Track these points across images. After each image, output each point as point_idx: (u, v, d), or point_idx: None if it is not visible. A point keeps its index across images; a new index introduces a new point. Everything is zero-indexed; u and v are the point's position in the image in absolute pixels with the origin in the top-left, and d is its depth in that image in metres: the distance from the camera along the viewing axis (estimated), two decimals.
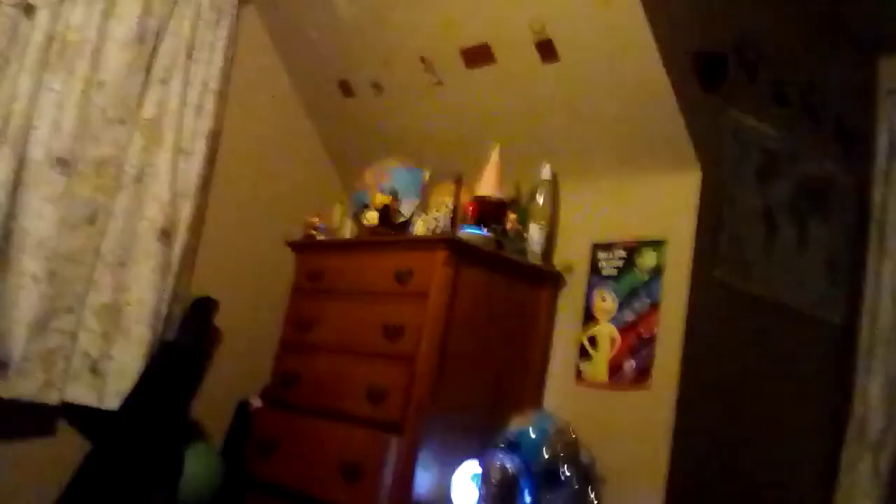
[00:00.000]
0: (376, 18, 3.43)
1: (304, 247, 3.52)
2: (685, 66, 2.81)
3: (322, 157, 4.06)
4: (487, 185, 3.12)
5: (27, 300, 3.12)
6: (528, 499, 2.67)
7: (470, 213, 3.05)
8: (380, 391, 2.86)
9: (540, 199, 3.13)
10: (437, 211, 3.12)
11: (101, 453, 3.13)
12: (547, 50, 2.99)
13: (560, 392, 3.02)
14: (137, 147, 3.39)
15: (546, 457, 2.66)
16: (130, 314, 3.30)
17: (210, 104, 3.58)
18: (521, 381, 3.03)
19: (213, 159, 3.63)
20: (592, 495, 2.69)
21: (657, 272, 2.84)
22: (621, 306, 2.90)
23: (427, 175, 3.33)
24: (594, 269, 3.03)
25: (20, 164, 3.13)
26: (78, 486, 3.05)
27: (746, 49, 3.01)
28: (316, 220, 3.51)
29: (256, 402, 3.45)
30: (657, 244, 2.86)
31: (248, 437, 3.36)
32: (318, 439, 3.04)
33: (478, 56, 3.20)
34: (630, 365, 2.82)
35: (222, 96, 3.64)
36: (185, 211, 3.48)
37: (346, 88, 3.79)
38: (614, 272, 2.96)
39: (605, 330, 2.93)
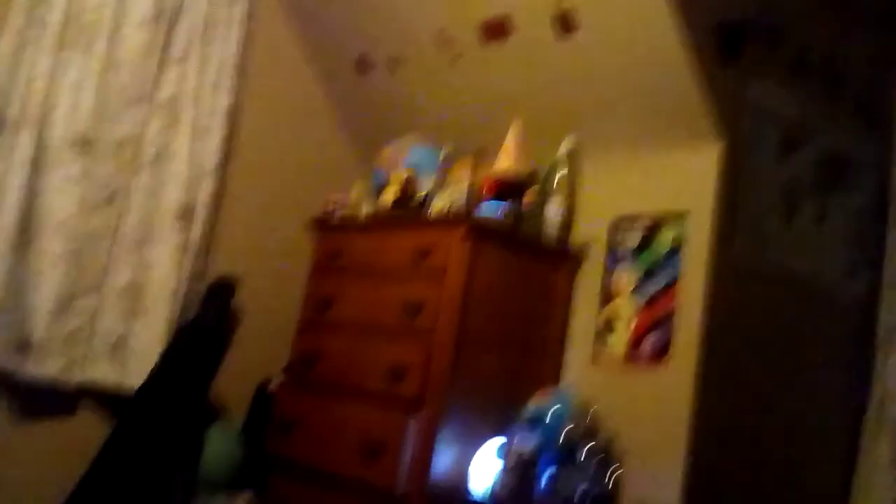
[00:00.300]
0: None
1: (323, 225, 3.52)
2: (704, 38, 2.77)
3: (340, 134, 4.04)
4: (506, 161, 3.10)
5: (48, 281, 3.14)
6: (547, 477, 2.68)
7: (488, 190, 3.04)
8: (399, 369, 2.86)
9: (559, 175, 3.11)
10: (455, 188, 3.10)
11: (123, 433, 3.15)
12: (566, 22, 2.95)
13: (579, 370, 3.01)
14: (156, 126, 3.40)
15: (565, 435, 2.66)
16: (151, 294, 3.32)
17: (227, 82, 3.57)
18: (540, 359, 3.03)
19: (232, 138, 3.63)
20: (612, 473, 2.69)
21: (676, 247, 2.81)
22: (640, 282, 2.88)
23: (445, 152, 3.31)
24: (613, 245, 3.00)
25: (40, 145, 3.13)
26: (100, 465, 3.07)
27: (766, 20, 2.96)
28: (335, 198, 3.50)
29: (277, 382, 3.46)
30: (677, 219, 2.84)
31: (268, 416, 3.38)
32: (338, 418, 3.05)
33: (496, 30, 3.17)
34: (649, 341, 2.80)
35: (239, 74, 3.63)
36: (205, 190, 3.49)
37: (363, 64, 3.77)
38: (634, 248, 2.94)
39: (625, 306, 2.91)
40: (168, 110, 3.42)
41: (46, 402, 3.22)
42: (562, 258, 3.09)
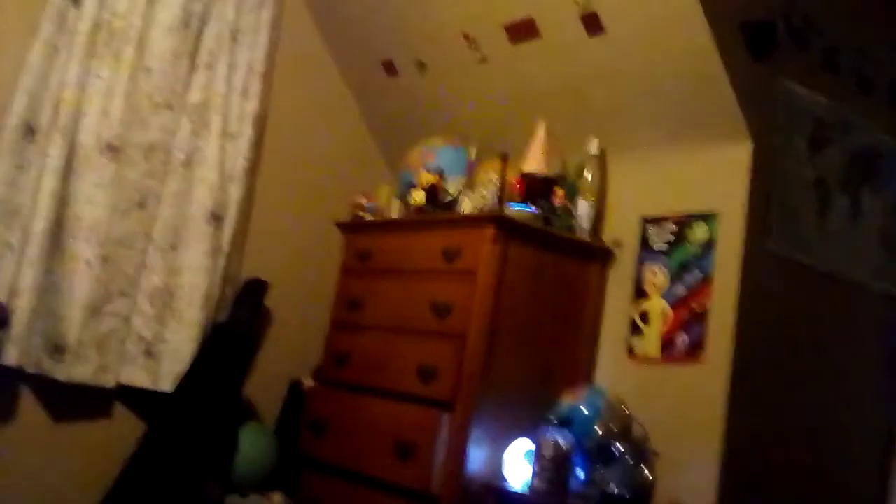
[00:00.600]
0: None
1: (353, 227, 3.53)
2: (734, 35, 2.76)
3: (367, 137, 4.07)
4: (534, 161, 3.09)
5: (81, 285, 3.18)
6: (580, 475, 2.68)
7: (517, 190, 3.03)
8: (430, 369, 2.86)
9: (588, 174, 3.10)
10: (483, 188, 3.10)
11: (157, 434, 3.18)
12: (592, 22, 2.95)
13: (612, 368, 3.00)
14: (185, 131, 3.43)
15: (598, 433, 2.66)
16: (183, 297, 3.35)
17: (256, 87, 3.61)
18: (572, 358, 3.02)
19: (260, 142, 3.66)
20: (645, 471, 2.68)
21: (709, 245, 2.80)
22: (673, 280, 2.87)
23: (473, 152, 3.31)
24: (644, 243, 2.99)
25: (71, 151, 3.18)
26: (134, 466, 3.11)
27: (796, 16, 2.94)
28: (363, 200, 3.51)
29: (308, 382, 3.48)
30: (708, 217, 2.82)
31: (301, 416, 3.39)
32: (370, 417, 3.06)
33: (522, 31, 3.17)
34: (682, 340, 2.79)
35: (267, 79, 3.66)
36: (234, 193, 3.52)
37: (389, 67, 3.78)
38: (665, 246, 2.93)
39: (657, 305, 2.90)
40: (197, 115, 3.46)
41: (81, 404, 3.26)
42: (592, 257, 3.09)
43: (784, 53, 2.91)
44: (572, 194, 3.10)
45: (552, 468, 2.61)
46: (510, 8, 3.15)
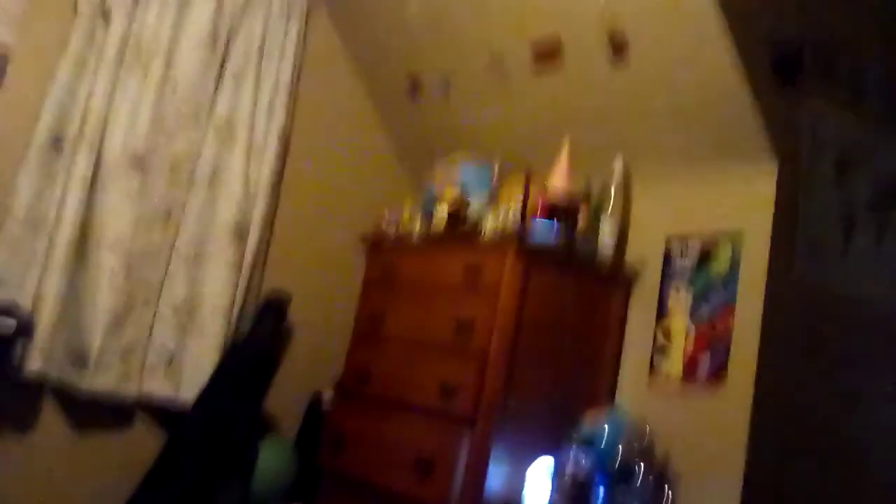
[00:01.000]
0: (445, 16, 3.43)
1: (375, 243, 3.55)
2: (760, 59, 2.75)
3: (391, 153, 4.08)
4: (558, 180, 3.09)
5: (105, 295, 3.20)
6: (601, 496, 2.66)
7: (540, 209, 3.04)
8: (452, 386, 2.86)
9: (612, 194, 3.10)
10: (507, 207, 3.10)
11: (178, 445, 3.19)
12: (619, 44, 2.96)
13: (634, 390, 2.99)
14: (211, 145, 3.46)
15: (620, 455, 2.64)
16: (205, 309, 3.37)
17: (282, 103, 3.63)
18: (594, 378, 3.01)
19: (285, 157, 3.68)
20: (668, 494, 2.67)
21: (733, 268, 2.79)
22: (696, 302, 2.86)
23: (496, 170, 3.32)
24: (668, 264, 2.99)
25: (97, 163, 3.21)
26: (155, 476, 3.12)
27: (823, 40, 2.94)
28: (386, 216, 3.53)
29: (329, 396, 3.48)
30: (733, 240, 2.81)
31: (320, 429, 3.40)
32: (390, 433, 3.06)
33: (548, 52, 3.18)
34: (705, 362, 2.78)
35: (293, 95, 3.69)
36: (259, 208, 3.53)
37: (414, 86, 3.80)
38: (689, 268, 2.92)
39: (680, 326, 2.88)
40: (223, 129, 3.48)
41: (103, 414, 3.27)
42: (616, 278, 3.08)
43: (810, 77, 2.90)
44: (596, 213, 3.10)
45: (573, 488, 2.60)
46: (537, 29, 3.16)
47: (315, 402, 3.53)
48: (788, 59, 2.84)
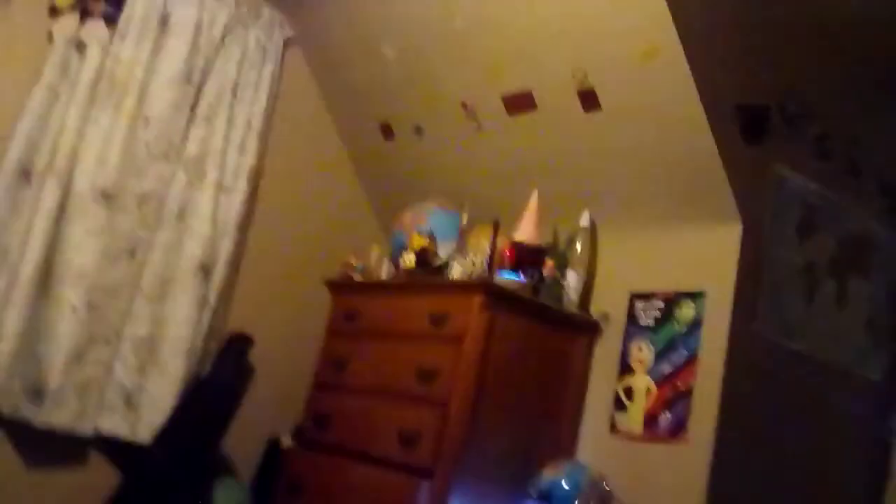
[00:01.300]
0: (420, 63, 3.46)
1: (341, 286, 3.53)
2: (728, 119, 2.81)
3: (361, 197, 4.09)
4: (525, 231, 3.12)
5: (66, 330, 3.15)
6: None
7: (507, 258, 3.05)
8: (412, 435, 2.84)
9: (578, 247, 3.12)
10: (474, 255, 3.11)
11: (132, 485, 3.14)
12: (589, 99, 2.99)
13: (594, 443, 2.99)
14: (180, 183, 3.44)
15: None
16: (166, 348, 3.33)
17: (253, 143, 3.63)
18: (555, 430, 3.00)
19: (254, 197, 3.67)
20: None
21: (696, 324, 2.81)
22: (658, 358, 2.87)
23: (465, 218, 3.33)
24: (631, 318, 3.00)
25: (65, 196, 3.18)
26: None
27: (790, 102, 2.99)
28: (353, 260, 3.52)
29: (287, 441, 3.44)
30: (696, 296, 2.84)
31: (277, 474, 3.35)
32: (348, 482, 3.02)
33: (519, 103, 3.22)
34: (666, 418, 2.79)
35: (265, 135, 3.69)
36: (225, 247, 3.52)
37: (387, 130, 3.82)
38: (652, 323, 2.93)
39: (642, 381, 2.90)
40: (193, 167, 3.47)
41: (58, 449, 3.21)
42: (580, 329, 3.09)
43: (777, 138, 2.95)
44: (562, 265, 3.12)
45: None
46: (509, 80, 3.20)
47: (273, 447, 3.49)
48: (756, 121, 2.89)
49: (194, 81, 3.50)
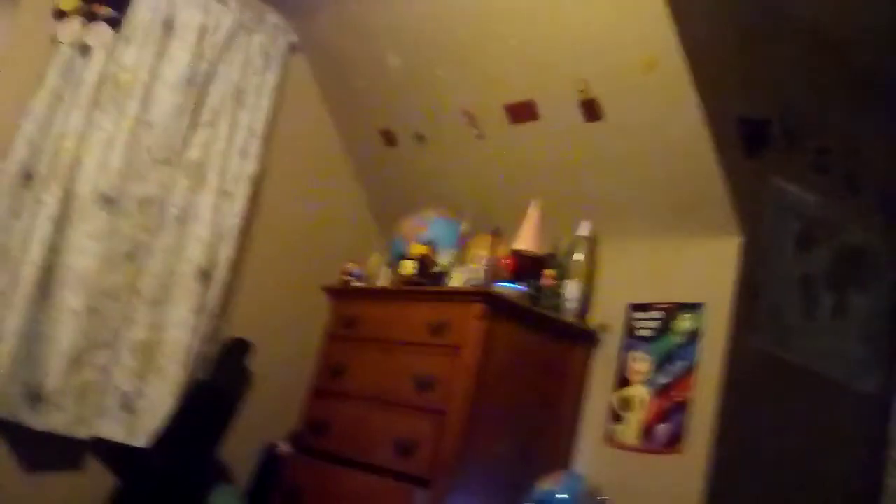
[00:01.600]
0: (422, 71, 3.47)
1: (340, 293, 3.53)
2: (729, 131, 2.81)
3: (362, 204, 4.10)
4: (525, 240, 3.12)
5: (65, 334, 3.16)
6: None
7: (507, 268, 3.05)
8: (409, 443, 2.84)
9: (578, 257, 3.13)
10: (473, 264, 3.12)
11: (128, 490, 3.14)
12: (591, 109, 3.00)
13: (591, 453, 2.99)
14: (181, 187, 3.45)
15: None
16: (165, 352, 3.33)
17: (255, 148, 3.64)
18: (552, 440, 3.01)
19: (255, 202, 3.68)
20: None
21: (693, 336, 2.81)
22: (656, 369, 2.88)
23: (465, 227, 3.34)
24: (630, 329, 3.01)
25: (66, 200, 3.18)
26: None
27: (790, 116, 3.00)
28: (353, 266, 3.52)
29: (284, 447, 3.44)
30: (695, 308, 2.84)
31: (274, 481, 3.35)
32: (344, 489, 3.02)
33: (521, 112, 3.23)
34: (663, 429, 2.79)
35: (266, 141, 3.70)
36: (225, 252, 3.52)
37: (388, 138, 3.83)
38: (650, 334, 2.94)
39: (639, 392, 2.90)
40: (194, 172, 3.48)
41: (55, 453, 3.21)
42: (578, 340, 3.09)
43: (777, 151, 2.96)
44: (561, 276, 3.12)
45: None
46: (511, 89, 3.21)
47: (270, 453, 3.49)
48: (756, 134, 2.89)
49: (197, 86, 3.50)
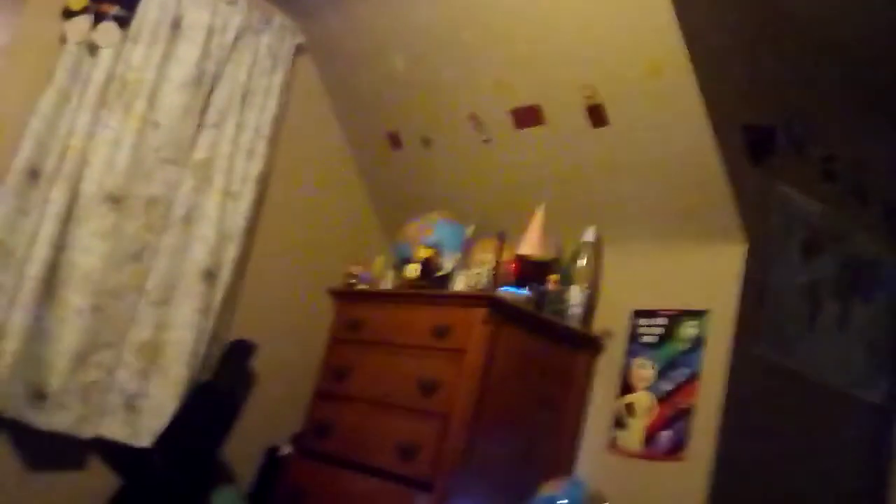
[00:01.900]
0: (429, 74, 3.47)
1: (345, 295, 3.53)
2: (734, 138, 2.81)
3: (367, 207, 4.09)
4: (530, 245, 3.12)
5: (69, 333, 3.16)
6: None
7: (511, 272, 3.05)
8: (412, 447, 2.84)
9: (582, 262, 3.13)
10: (478, 267, 3.12)
11: (131, 490, 3.15)
12: (597, 114, 3.00)
13: (593, 459, 2.99)
14: (187, 188, 3.45)
15: None
16: (169, 353, 3.33)
17: (261, 149, 3.64)
18: (554, 446, 3.01)
19: (260, 203, 3.68)
20: None
21: (698, 343, 2.81)
22: (660, 375, 2.88)
23: (470, 231, 3.34)
24: (634, 336, 3.01)
25: (73, 199, 3.18)
26: None
27: (796, 124, 3.00)
28: (358, 269, 3.53)
29: (287, 449, 3.44)
30: (699, 315, 2.84)
31: (276, 483, 3.35)
32: (346, 492, 3.02)
33: (527, 117, 3.22)
34: (666, 436, 2.79)
35: (273, 142, 3.70)
36: (230, 253, 3.52)
37: (394, 140, 3.83)
38: (654, 340, 2.94)
39: (643, 398, 2.90)
40: (200, 173, 3.48)
41: (58, 452, 3.21)
42: (582, 345, 3.09)
43: (782, 159, 2.96)
44: (566, 281, 3.12)
45: None
46: (517, 94, 3.21)
47: (272, 455, 3.49)
48: (762, 141, 2.89)
49: (204, 86, 3.51)
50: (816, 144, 3.08)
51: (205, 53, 3.50)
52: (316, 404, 3.39)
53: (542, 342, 3.02)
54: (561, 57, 2.99)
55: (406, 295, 3.26)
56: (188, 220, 3.44)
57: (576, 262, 3.14)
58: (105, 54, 3.29)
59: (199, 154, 3.49)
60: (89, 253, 3.22)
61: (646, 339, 2.97)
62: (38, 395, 3.10)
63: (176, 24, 3.45)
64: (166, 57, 3.42)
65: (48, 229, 3.11)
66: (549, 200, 3.20)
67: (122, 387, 3.26)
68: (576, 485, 2.77)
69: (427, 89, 3.53)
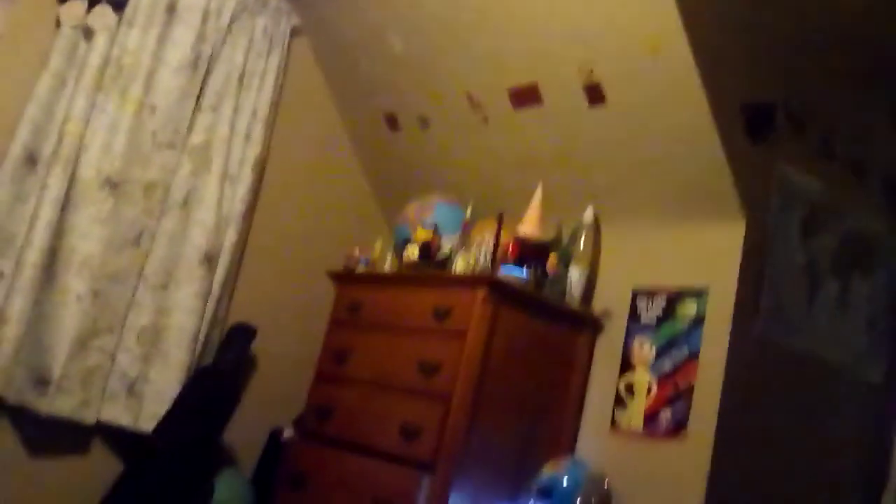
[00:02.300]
0: (426, 54, 3.46)
1: (345, 278, 3.53)
2: (733, 116, 2.80)
3: (366, 189, 4.09)
4: (529, 225, 3.12)
5: (70, 318, 3.17)
6: None
7: (511, 253, 3.05)
8: (413, 428, 2.85)
9: (581, 242, 3.12)
10: (478, 248, 3.12)
11: (133, 474, 3.16)
12: (595, 93, 2.99)
13: (594, 439, 3.00)
14: (185, 171, 3.44)
15: None
16: (170, 337, 3.34)
17: (258, 132, 3.63)
18: (555, 426, 3.01)
19: (259, 187, 3.67)
20: None
21: (697, 322, 2.81)
22: (659, 355, 2.88)
23: (469, 212, 3.34)
24: (633, 315, 3.01)
25: (70, 184, 3.18)
26: None
27: (795, 102, 2.99)
28: (357, 251, 3.52)
29: (289, 432, 3.45)
30: (699, 293, 2.84)
31: (278, 466, 3.36)
32: (349, 474, 3.03)
33: (525, 96, 3.21)
34: (666, 415, 2.79)
35: (270, 125, 3.69)
36: (229, 237, 3.52)
37: (392, 122, 3.82)
38: (654, 320, 2.94)
39: (643, 378, 2.90)
40: (198, 156, 3.47)
41: (60, 438, 3.23)
42: (582, 324, 3.10)
43: (781, 137, 2.95)
44: (565, 261, 3.12)
45: None
46: (515, 73, 3.19)
47: (275, 438, 3.50)
48: (761, 119, 2.88)
49: (200, 69, 3.49)
50: (816, 122, 3.07)
51: (200, 36, 3.48)
52: (317, 387, 3.39)
53: (542, 322, 3.02)
54: (558, 36, 2.97)
55: (405, 277, 3.26)
56: (187, 204, 3.44)
57: (575, 242, 3.14)
58: (100, 38, 3.28)
59: (197, 138, 3.48)
60: (88, 238, 3.22)
61: (645, 318, 2.97)
62: (41, 381, 3.11)
63: (171, 7, 3.44)
64: (162, 40, 3.41)
65: (46, 215, 3.11)
66: (548, 180, 3.19)
67: (123, 371, 3.27)
68: (577, 464, 2.78)
69: (424, 70, 3.52)
